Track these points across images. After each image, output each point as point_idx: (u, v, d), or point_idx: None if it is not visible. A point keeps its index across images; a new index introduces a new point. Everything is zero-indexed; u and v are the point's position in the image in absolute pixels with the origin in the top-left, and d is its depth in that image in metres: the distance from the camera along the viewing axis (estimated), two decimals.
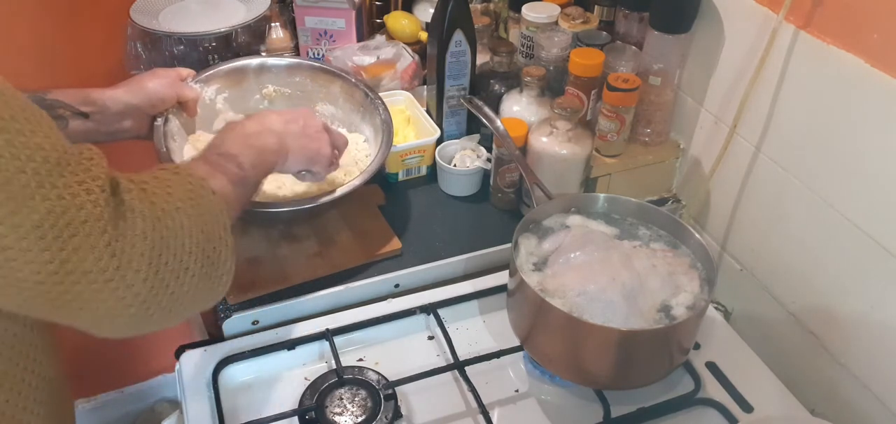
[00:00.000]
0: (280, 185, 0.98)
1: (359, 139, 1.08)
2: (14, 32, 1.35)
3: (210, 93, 1.07)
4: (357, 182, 0.94)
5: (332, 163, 0.90)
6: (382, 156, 0.99)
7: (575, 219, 0.92)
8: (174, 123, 0.99)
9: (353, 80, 1.07)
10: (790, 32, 0.89)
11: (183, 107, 1.00)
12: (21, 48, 1.37)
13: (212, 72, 1.07)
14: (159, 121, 0.97)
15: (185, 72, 1.02)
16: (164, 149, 0.94)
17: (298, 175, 0.89)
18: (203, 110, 1.05)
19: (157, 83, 0.97)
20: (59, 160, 0.52)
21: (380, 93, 1.12)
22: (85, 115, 0.89)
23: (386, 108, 1.04)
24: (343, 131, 1.08)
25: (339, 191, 0.93)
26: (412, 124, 1.18)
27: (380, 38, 1.30)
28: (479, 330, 0.94)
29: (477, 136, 1.16)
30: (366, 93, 1.07)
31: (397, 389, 0.83)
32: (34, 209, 0.50)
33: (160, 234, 0.58)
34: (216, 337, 0.91)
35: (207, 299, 0.67)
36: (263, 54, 1.30)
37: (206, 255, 0.63)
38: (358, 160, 1.04)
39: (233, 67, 1.09)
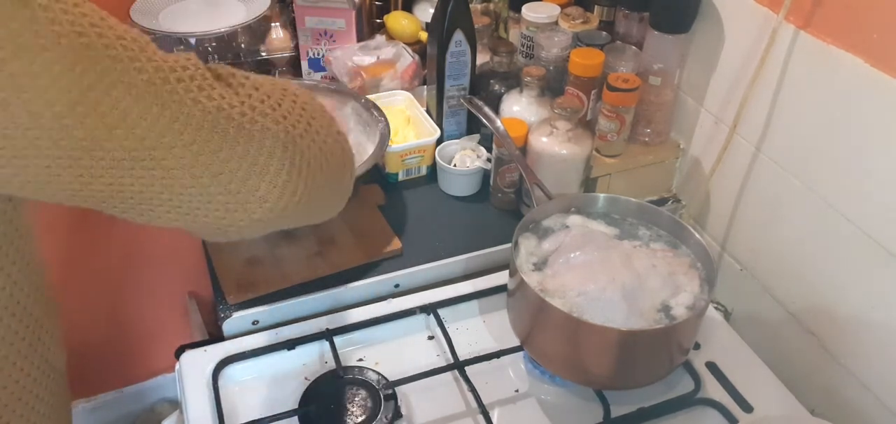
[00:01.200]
0: None
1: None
2: None
3: None
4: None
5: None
6: (378, 154, 0.98)
7: (575, 219, 0.92)
8: None
9: (363, 101, 1.07)
10: (790, 32, 0.89)
11: None
12: None
13: None
14: None
15: None
16: None
17: None
18: None
19: None
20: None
21: (380, 93, 1.12)
22: None
23: (387, 124, 1.03)
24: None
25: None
26: (412, 124, 1.18)
27: (380, 38, 1.30)
28: (479, 330, 0.94)
29: (477, 136, 1.16)
30: (372, 112, 1.05)
31: (397, 389, 0.83)
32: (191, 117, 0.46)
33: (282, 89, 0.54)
34: (216, 336, 0.91)
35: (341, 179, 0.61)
36: (263, 54, 1.30)
37: (326, 142, 0.57)
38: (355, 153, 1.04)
39: None
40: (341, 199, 0.62)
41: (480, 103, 1.04)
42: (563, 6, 1.18)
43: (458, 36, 1.09)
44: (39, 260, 0.64)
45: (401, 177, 1.13)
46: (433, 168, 1.14)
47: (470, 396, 0.84)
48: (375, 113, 1.04)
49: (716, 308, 1.02)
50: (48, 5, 0.39)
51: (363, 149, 1.05)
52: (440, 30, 1.09)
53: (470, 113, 1.12)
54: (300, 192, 0.52)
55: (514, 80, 1.13)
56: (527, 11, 1.17)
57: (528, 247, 0.88)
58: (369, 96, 1.13)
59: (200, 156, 0.46)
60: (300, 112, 0.53)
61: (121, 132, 0.42)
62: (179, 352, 0.88)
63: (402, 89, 1.21)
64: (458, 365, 0.86)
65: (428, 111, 1.18)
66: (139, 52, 0.43)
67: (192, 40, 1.26)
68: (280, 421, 0.80)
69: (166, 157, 0.45)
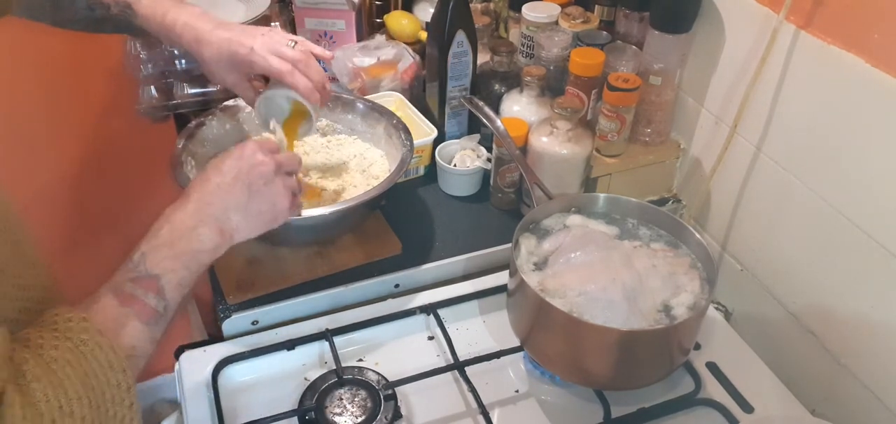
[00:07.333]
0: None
1: (378, 154, 1.07)
2: (12, 33, 1.35)
3: None
4: (371, 193, 0.92)
5: (295, 208, 0.79)
6: (394, 177, 0.96)
7: (575, 219, 0.92)
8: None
9: (395, 121, 1.05)
10: (791, 32, 0.89)
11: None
12: (19, 48, 1.37)
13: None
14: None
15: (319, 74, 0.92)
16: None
17: None
18: (251, 128, 1.07)
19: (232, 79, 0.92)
20: None
21: (371, 95, 1.12)
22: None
23: (410, 150, 1.00)
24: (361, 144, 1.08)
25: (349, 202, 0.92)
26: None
27: (380, 38, 1.30)
28: (479, 330, 0.94)
29: (477, 136, 1.16)
30: (401, 134, 1.03)
31: (397, 389, 0.83)
32: None
33: None
34: (216, 337, 0.91)
35: None
36: None
37: None
38: (379, 175, 1.03)
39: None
40: None
41: (481, 103, 1.04)
42: (563, 6, 1.18)
43: (460, 36, 1.09)
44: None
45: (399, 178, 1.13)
46: (431, 168, 1.14)
47: (470, 396, 0.84)
48: (404, 137, 1.02)
49: (716, 308, 1.02)
50: None
51: (380, 167, 1.05)
52: (441, 31, 1.09)
53: (471, 113, 1.12)
54: None
55: (514, 80, 1.13)
56: (527, 11, 1.17)
57: (528, 247, 0.87)
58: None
59: None
60: None
61: None
62: (179, 352, 0.88)
63: (404, 90, 1.21)
64: (458, 366, 0.86)
65: (429, 111, 1.18)
66: None
67: None
68: (280, 421, 0.80)
69: None
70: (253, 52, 0.87)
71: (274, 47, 0.88)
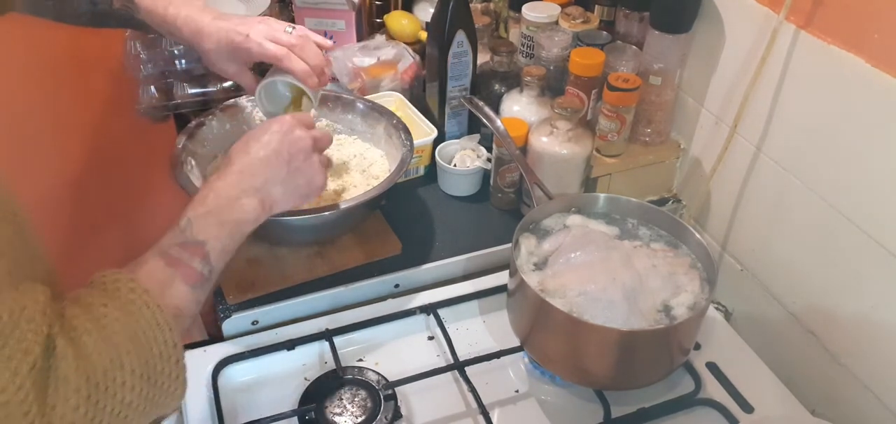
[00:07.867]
0: None
1: (378, 154, 1.07)
2: (12, 34, 1.35)
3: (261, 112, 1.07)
4: (374, 192, 0.92)
5: (324, 185, 0.82)
6: (394, 177, 0.96)
7: (575, 219, 0.92)
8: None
9: (395, 121, 1.05)
10: (791, 32, 0.89)
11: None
12: (20, 47, 1.37)
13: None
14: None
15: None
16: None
17: None
18: (251, 127, 1.05)
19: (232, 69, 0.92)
20: None
21: (371, 95, 1.12)
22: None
23: (410, 150, 0.99)
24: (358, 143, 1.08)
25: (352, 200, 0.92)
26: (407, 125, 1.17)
27: (380, 38, 1.30)
28: (479, 330, 0.94)
29: (477, 136, 1.16)
30: (401, 134, 1.02)
31: (397, 389, 0.83)
32: None
33: (95, 402, 0.53)
34: (216, 337, 0.91)
35: None
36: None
37: (151, 400, 0.58)
38: (379, 175, 1.03)
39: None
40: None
41: (481, 103, 1.04)
42: (563, 6, 1.18)
43: (460, 36, 1.09)
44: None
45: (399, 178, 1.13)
46: (431, 168, 1.14)
47: (470, 396, 0.84)
48: (404, 137, 1.01)
49: (716, 308, 1.02)
50: None
51: (380, 167, 1.05)
52: (441, 31, 1.09)
53: (471, 113, 1.12)
54: None
55: (514, 80, 1.13)
56: (527, 11, 1.17)
57: (528, 247, 0.87)
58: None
59: None
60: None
61: None
62: None
63: (404, 90, 1.21)
64: (458, 366, 0.86)
65: (429, 111, 1.18)
66: None
67: None
68: (280, 422, 0.80)
69: None
70: (249, 39, 0.88)
71: (270, 33, 0.89)
